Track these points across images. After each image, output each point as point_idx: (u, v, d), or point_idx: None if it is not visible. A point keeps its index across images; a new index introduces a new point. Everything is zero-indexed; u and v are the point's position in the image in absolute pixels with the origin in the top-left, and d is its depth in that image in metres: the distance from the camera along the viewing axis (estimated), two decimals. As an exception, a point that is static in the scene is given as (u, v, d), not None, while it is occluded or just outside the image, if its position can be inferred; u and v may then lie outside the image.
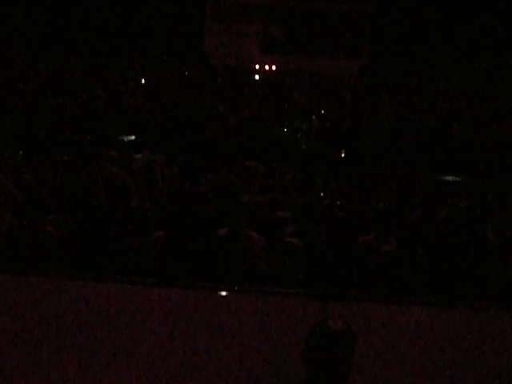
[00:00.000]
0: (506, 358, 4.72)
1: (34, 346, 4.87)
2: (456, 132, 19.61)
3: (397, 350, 4.58)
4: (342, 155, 18.45)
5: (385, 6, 25.93)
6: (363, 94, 23.46)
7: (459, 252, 6.20)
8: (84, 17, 25.56)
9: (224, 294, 5.18)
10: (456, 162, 17.48)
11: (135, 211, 6.66)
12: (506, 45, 24.13)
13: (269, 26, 27.66)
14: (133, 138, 18.57)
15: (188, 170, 11.34)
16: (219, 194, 8.59)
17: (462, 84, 23.78)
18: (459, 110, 21.62)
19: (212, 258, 6.04)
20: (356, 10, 27.12)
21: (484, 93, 23.18)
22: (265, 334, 4.73)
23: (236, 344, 4.74)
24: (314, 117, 20.64)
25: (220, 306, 5.07)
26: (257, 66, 26.47)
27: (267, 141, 18.69)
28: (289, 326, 4.67)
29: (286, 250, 6.33)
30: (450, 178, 15.48)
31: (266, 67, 26.59)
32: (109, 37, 25.16)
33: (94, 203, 7.12)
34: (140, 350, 4.82)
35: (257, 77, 25.94)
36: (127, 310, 5.06)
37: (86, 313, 4.94)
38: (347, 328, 3.18)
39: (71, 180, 8.56)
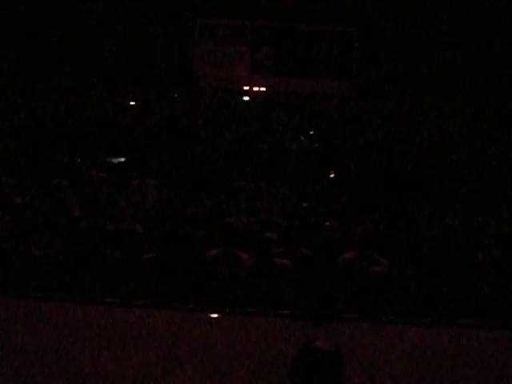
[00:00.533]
0: (495, 374, 4.73)
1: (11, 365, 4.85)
2: (445, 151, 19.70)
3: (386, 369, 4.57)
4: (332, 176, 18.49)
5: (373, 26, 26.12)
6: (352, 114, 23.56)
7: (448, 272, 6.22)
8: (72, 38, 25.59)
9: (214, 315, 5.18)
10: (445, 183, 17.54)
11: (125, 233, 6.67)
12: (493, 62, 24.36)
13: (257, 47, 27.79)
14: (122, 160, 18.57)
15: (177, 192, 11.35)
16: (208, 216, 8.61)
17: (451, 102, 23.89)
18: (448, 129, 21.74)
19: (202, 279, 6.04)
20: (344, 30, 27.31)
21: (472, 112, 23.31)
22: (254, 355, 4.72)
23: (225, 365, 4.72)
24: (302, 137, 20.69)
25: (209, 327, 5.07)
26: (246, 88, 26.55)
27: (256, 162, 18.72)
28: (277, 347, 4.66)
29: (274, 270, 6.33)
30: (438, 199, 15.52)
31: (255, 88, 26.67)
32: (97, 59, 25.20)
33: (82, 225, 7.13)
34: (129, 370, 4.80)
35: (246, 98, 26.03)
36: (116, 331, 5.05)
37: (73, 333, 4.92)
38: (336, 348, 3.16)
39: (60, 202, 8.53)
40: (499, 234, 7.85)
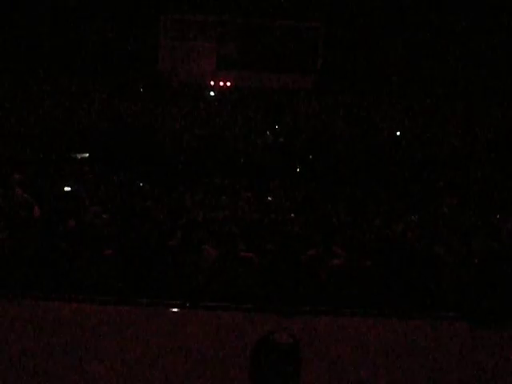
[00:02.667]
0: (452, 363, 4.83)
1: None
2: (410, 147, 19.91)
3: (344, 362, 4.65)
4: (297, 170, 18.57)
5: (336, 21, 26.27)
6: (317, 109, 23.68)
7: (408, 265, 6.32)
8: (38, 35, 25.34)
9: (175, 310, 5.21)
10: (409, 177, 17.71)
11: (86, 228, 6.65)
12: (454, 55, 24.75)
13: (223, 42, 27.79)
14: (86, 155, 18.42)
15: (140, 187, 11.34)
16: (173, 211, 8.62)
17: (417, 98, 24.14)
18: (413, 124, 21.97)
19: (164, 273, 6.05)
20: (308, 25, 27.44)
21: (439, 107, 23.58)
22: (214, 349, 4.77)
23: (185, 358, 4.76)
24: (268, 132, 20.76)
25: (171, 321, 5.10)
26: (212, 83, 26.56)
27: (222, 157, 18.72)
28: (237, 341, 4.71)
29: (239, 264, 6.36)
30: (401, 192, 15.67)
31: (221, 84, 26.68)
32: (64, 56, 24.99)
33: (44, 219, 7.09)
34: (91, 367, 4.82)
35: (212, 93, 26.03)
36: (79, 327, 5.05)
37: (37, 331, 4.92)
38: (293, 340, 3.21)
39: (21, 197, 8.47)
40: (456, 228, 7.99)
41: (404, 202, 12.05)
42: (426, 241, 6.81)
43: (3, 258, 5.87)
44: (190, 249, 6.34)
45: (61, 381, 4.86)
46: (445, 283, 6.03)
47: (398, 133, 21.35)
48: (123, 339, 5.01)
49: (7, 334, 5.01)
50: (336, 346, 4.70)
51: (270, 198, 11.86)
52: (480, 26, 24.50)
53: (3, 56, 24.17)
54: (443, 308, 5.46)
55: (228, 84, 26.63)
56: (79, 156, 18.21)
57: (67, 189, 10.59)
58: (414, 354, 4.81)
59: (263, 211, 9.50)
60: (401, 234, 7.34)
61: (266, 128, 21.14)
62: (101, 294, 5.49)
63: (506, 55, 24.36)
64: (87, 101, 22.97)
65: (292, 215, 9.84)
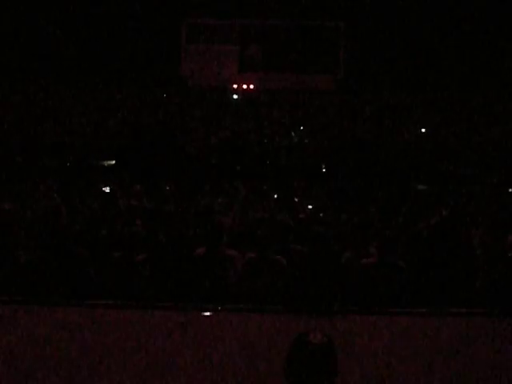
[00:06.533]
0: (491, 360, 4.76)
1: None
2: (435, 143, 19.80)
3: (380, 361, 4.60)
4: (323, 170, 18.53)
5: (359, 20, 26.20)
6: (340, 109, 23.63)
7: (442, 261, 6.25)
8: (59, 40, 25.53)
9: (207, 313, 5.20)
10: (436, 173, 17.60)
11: (118, 236, 6.67)
12: (478, 59, 24.59)
13: (245, 45, 27.82)
14: (113, 162, 18.52)
15: (168, 192, 11.34)
16: (199, 216, 8.60)
17: (437, 97, 24.03)
18: (436, 121, 21.84)
19: (193, 278, 6.05)
20: (330, 25, 27.37)
21: (460, 105, 23.46)
22: (248, 352, 4.74)
23: (220, 361, 4.74)
24: (293, 133, 20.74)
25: (203, 325, 5.09)
26: (235, 86, 26.58)
27: (248, 160, 18.72)
28: (272, 342, 4.68)
29: (269, 267, 6.34)
30: (430, 189, 15.56)
31: (244, 86, 26.70)
32: (86, 61, 25.16)
33: (76, 229, 7.13)
34: (125, 370, 4.82)
35: (235, 96, 26.06)
36: (112, 332, 5.06)
37: (68, 336, 4.94)
38: (327, 340, 3.19)
39: (51, 206, 8.52)
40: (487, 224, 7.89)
41: (433, 200, 11.93)
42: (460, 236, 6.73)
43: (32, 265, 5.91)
44: (216, 254, 6.32)
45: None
46: (479, 280, 5.96)
47: (423, 130, 21.25)
48: (155, 343, 5.01)
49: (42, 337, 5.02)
50: (369, 345, 4.66)
51: (296, 199, 11.79)
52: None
53: (25, 60, 24.41)
54: (477, 305, 5.40)
55: (251, 86, 26.63)
56: (106, 163, 18.32)
57: (105, 189, 10.70)
58: (450, 351, 4.75)
59: (291, 212, 9.44)
60: (432, 231, 7.26)
61: (291, 129, 21.11)
62: (130, 299, 5.51)
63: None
64: (111, 106, 23.11)
65: (321, 215, 9.79)
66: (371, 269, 6.08)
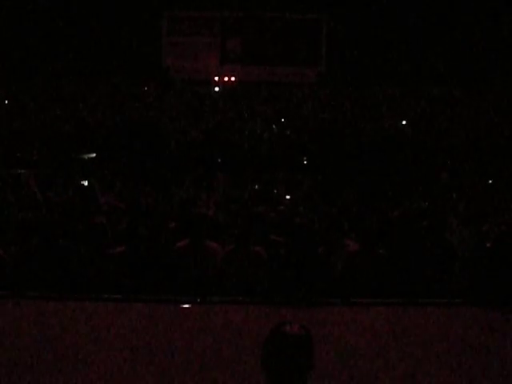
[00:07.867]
0: (466, 351, 4.80)
1: None
2: (416, 136, 19.90)
3: (356, 352, 4.62)
4: (304, 162, 18.54)
5: (340, 13, 26.23)
6: (322, 101, 23.66)
7: (419, 252, 6.29)
8: (40, 34, 25.35)
9: (187, 306, 5.20)
10: (416, 166, 17.70)
11: (96, 227, 6.63)
12: (460, 51, 24.76)
13: (226, 37, 27.76)
14: (93, 155, 18.42)
15: (147, 184, 11.32)
16: (180, 207, 8.61)
17: (419, 89, 24.14)
18: (417, 114, 21.94)
19: (173, 270, 6.05)
20: (312, 18, 27.36)
21: (441, 97, 23.58)
22: (228, 343, 4.75)
23: (200, 353, 4.75)
24: (274, 125, 20.73)
25: (183, 317, 5.09)
26: (216, 78, 26.54)
27: (228, 152, 18.70)
28: (252, 334, 4.69)
29: (249, 259, 6.34)
30: (408, 181, 15.64)
31: (226, 79, 26.66)
32: (67, 54, 25.02)
33: (54, 220, 7.08)
34: (103, 364, 4.80)
35: (216, 88, 26.02)
36: (90, 325, 5.05)
37: (48, 329, 4.91)
38: (304, 331, 3.20)
39: (31, 198, 8.48)
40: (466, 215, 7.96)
41: (412, 190, 12.01)
42: (438, 227, 6.78)
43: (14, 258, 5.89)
44: (197, 245, 6.32)
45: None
46: (457, 270, 6.01)
47: (404, 122, 21.35)
48: (134, 336, 5.00)
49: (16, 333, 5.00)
50: (347, 337, 4.68)
51: (275, 191, 11.82)
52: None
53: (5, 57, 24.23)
54: (456, 295, 5.44)
55: (232, 79, 26.60)
56: (86, 156, 18.22)
57: (84, 183, 10.62)
58: (428, 341, 4.78)
59: (271, 204, 9.46)
60: (411, 220, 7.32)
61: (271, 121, 21.11)
62: (110, 292, 5.49)
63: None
64: (92, 100, 22.98)
65: (300, 208, 9.81)
66: (352, 258, 6.12)
